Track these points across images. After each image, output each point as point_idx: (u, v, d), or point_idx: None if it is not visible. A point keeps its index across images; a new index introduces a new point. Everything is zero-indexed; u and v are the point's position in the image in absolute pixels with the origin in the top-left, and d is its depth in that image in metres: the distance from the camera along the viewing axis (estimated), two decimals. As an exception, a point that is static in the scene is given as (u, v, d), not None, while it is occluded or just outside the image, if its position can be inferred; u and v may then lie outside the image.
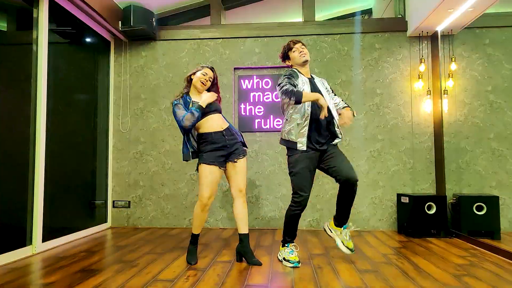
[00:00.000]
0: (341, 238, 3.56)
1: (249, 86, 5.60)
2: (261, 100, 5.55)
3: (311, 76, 3.67)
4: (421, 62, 5.23)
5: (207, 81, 3.62)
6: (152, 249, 4.13)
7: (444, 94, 5.07)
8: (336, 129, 3.50)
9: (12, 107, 3.83)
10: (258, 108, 5.55)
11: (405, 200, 4.88)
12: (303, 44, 3.64)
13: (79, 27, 4.97)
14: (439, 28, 5.02)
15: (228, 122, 3.65)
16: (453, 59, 5.10)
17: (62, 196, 4.62)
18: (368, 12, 7.22)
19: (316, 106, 3.37)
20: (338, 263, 3.51)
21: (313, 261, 3.59)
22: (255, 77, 5.60)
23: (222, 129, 3.50)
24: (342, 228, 3.59)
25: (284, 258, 3.50)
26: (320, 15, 6.64)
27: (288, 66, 3.76)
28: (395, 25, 5.45)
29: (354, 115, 3.57)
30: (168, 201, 5.56)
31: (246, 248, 3.55)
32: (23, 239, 3.89)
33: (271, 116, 5.50)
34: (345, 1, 6.81)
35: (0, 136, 3.64)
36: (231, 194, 3.61)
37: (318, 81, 3.63)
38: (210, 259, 3.69)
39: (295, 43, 3.66)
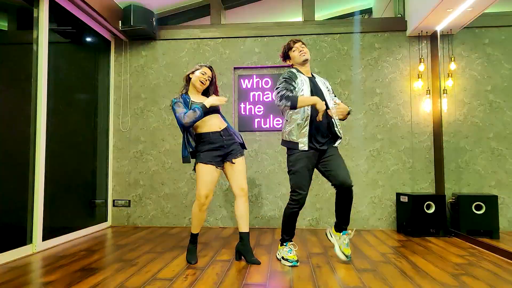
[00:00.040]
0: (339, 243, 3.57)
1: (249, 86, 5.62)
2: (261, 99, 5.57)
3: (312, 75, 3.68)
4: (420, 62, 5.24)
5: (206, 80, 3.63)
6: (152, 248, 4.15)
7: (444, 93, 5.08)
8: (335, 128, 3.52)
9: (13, 106, 3.85)
10: (258, 108, 5.56)
11: (404, 199, 4.90)
12: (303, 43, 3.65)
13: (80, 26, 4.98)
14: (439, 28, 5.03)
15: (226, 122, 3.66)
16: (452, 58, 5.11)
17: (63, 195, 4.64)
18: (368, 11, 7.24)
19: (312, 107, 3.39)
20: (336, 263, 3.52)
21: (312, 260, 3.60)
22: (255, 76, 5.61)
23: (220, 129, 3.51)
24: (341, 234, 3.62)
25: (282, 257, 3.52)
26: (320, 15, 6.65)
27: (288, 66, 3.78)
28: (395, 24, 5.46)
29: (349, 113, 3.56)
30: (168, 200, 5.58)
31: (246, 247, 3.56)
32: (24, 238, 3.91)
33: (271, 115, 5.51)
34: (345, 0, 6.82)
35: (0, 135, 3.65)
36: (233, 193, 3.60)
37: (319, 81, 3.64)
38: (210, 258, 3.70)
39: (295, 42, 3.67)
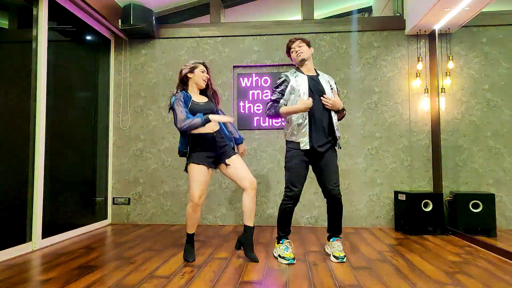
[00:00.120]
0: (332, 250, 3.62)
1: (248, 84, 5.64)
2: (260, 98, 5.59)
3: (316, 72, 3.70)
4: (418, 61, 5.25)
5: (207, 77, 3.65)
6: (151, 245, 4.18)
7: (442, 92, 5.09)
8: (334, 129, 3.55)
9: (12, 104, 3.88)
10: (257, 106, 5.58)
11: (402, 197, 4.92)
12: (301, 41, 3.66)
13: (79, 25, 5.00)
14: (437, 27, 5.04)
15: (220, 124, 3.64)
16: (450, 57, 5.12)
17: (62, 193, 4.67)
18: (368, 10, 7.25)
19: (313, 106, 3.43)
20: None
21: (309, 258, 3.63)
22: (254, 75, 5.63)
23: (213, 131, 3.49)
24: (332, 240, 3.70)
25: (279, 255, 3.55)
26: (319, 13, 6.66)
27: (289, 64, 3.83)
28: (393, 23, 5.47)
29: (339, 110, 3.60)
30: (168, 198, 5.61)
31: (248, 241, 3.57)
32: (23, 236, 3.95)
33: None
34: (344, -1, 6.84)
35: (0, 132, 3.68)
36: (243, 188, 3.54)
37: (322, 78, 3.64)
38: (207, 256, 3.73)
39: (292, 42, 3.71)
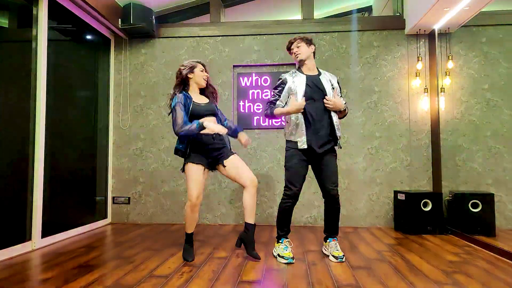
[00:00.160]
0: (330, 251, 3.62)
1: (248, 84, 5.64)
2: (260, 97, 5.59)
3: (318, 71, 3.70)
4: (418, 60, 5.26)
5: (207, 76, 3.66)
6: (150, 245, 4.19)
7: (441, 92, 5.09)
8: (335, 128, 3.56)
9: (12, 103, 3.89)
10: (257, 106, 5.59)
11: (401, 197, 4.92)
12: (300, 41, 3.65)
13: (79, 24, 5.01)
14: (436, 27, 5.03)
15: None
16: (450, 57, 5.12)
17: (62, 192, 4.68)
18: (368, 9, 7.25)
19: (310, 106, 3.46)
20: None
21: (308, 258, 3.63)
22: (254, 74, 5.63)
23: (213, 133, 3.51)
24: (329, 241, 3.70)
25: (278, 255, 3.56)
26: (319, 13, 6.66)
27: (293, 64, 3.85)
28: (393, 23, 5.47)
29: (341, 110, 3.61)
30: (168, 197, 5.61)
31: (249, 238, 3.57)
32: (23, 235, 3.96)
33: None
34: (344, -2, 6.84)
35: (0, 132, 3.69)
36: (243, 186, 3.55)
37: (324, 78, 3.63)
38: (207, 255, 3.74)
39: (291, 42, 3.72)
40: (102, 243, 4.31)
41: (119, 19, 5.36)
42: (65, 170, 4.77)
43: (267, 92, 5.55)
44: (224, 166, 3.54)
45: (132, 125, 5.75)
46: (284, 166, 3.65)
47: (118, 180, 5.70)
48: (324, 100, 3.50)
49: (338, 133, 3.57)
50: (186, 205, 3.52)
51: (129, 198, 5.66)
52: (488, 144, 5.07)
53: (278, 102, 3.66)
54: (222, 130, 3.38)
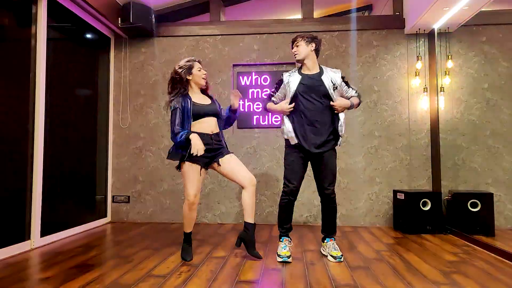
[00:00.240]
0: (328, 251, 3.63)
1: (247, 83, 5.64)
2: (260, 96, 5.59)
3: (320, 70, 3.68)
4: (418, 60, 5.25)
5: (206, 74, 3.66)
6: (149, 244, 4.20)
7: (441, 91, 5.08)
8: (339, 126, 3.58)
9: (12, 102, 3.89)
10: (256, 105, 5.59)
11: (400, 196, 4.92)
12: (301, 40, 3.64)
13: (79, 23, 5.01)
14: (436, 26, 5.03)
15: (220, 128, 3.66)
16: (449, 56, 5.11)
17: (62, 191, 4.69)
18: (368, 8, 7.24)
19: (304, 105, 3.53)
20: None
21: (306, 257, 3.64)
22: (253, 73, 5.63)
23: (212, 133, 3.50)
24: (326, 241, 3.71)
25: (277, 253, 3.58)
26: (319, 12, 6.66)
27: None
28: (393, 22, 5.47)
29: (349, 107, 3.61)
30: (167, 196, 5.62)
31: (250, 237, 3.55)
32: (22, 234, 3.97)
33: (270, 112, 5.52)
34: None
35: (-1, 132, 3.71)
36: (241, 186, 3.56)
37: (325, 77, 3.59)
38: (205, 254, 3.74)
39: (292, 42, 3.72)
40: (101, 242, 4.32)
41: (119, 18, 5.36)
42: (65, 168, 4.77)
43: (266, 91, 5.54)
44: (219, 165, 3.54)
45: (131, 124, 5.75)
46: (284, 163, 3.70)
47: (118, 179, 5.71)
48: (331, 103, 3.51)
49: (340, 132, 3.57)
50: (184, 204, 3.52)
51: (128, 197, 5.67)
52: (488, 143, 5.07)
53: (273, 98, 3.79)
54: (200, 152, 3.32)
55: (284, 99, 3.67)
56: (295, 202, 3.72)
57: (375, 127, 5.38)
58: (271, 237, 4.53)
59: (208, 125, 3.51)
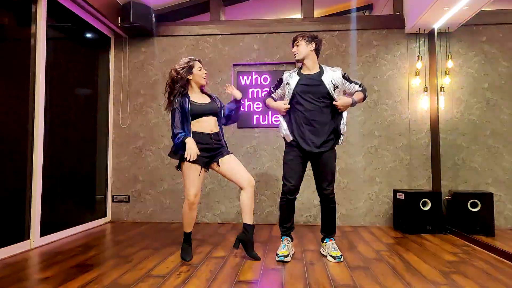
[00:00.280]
0: (328, 251, 3.63)
1: (247, 82, 5.64)
2: (260, 96, 5.59)
3: (320, 70, 3.66)
4: (418, 59, 5.25)
5: (206, 73, 3.65)
6: (149, 244, 4.19)
7: (441, 91, 5.08)
8: (341, 125, 3.60)
9: (11, 101, 3.89)
10: (256, 104, 5.59)
11: (400, 196, 4.92)
12: (301, 39, 3.63)
13: (79, 23, 5.01)
14: (436, 26, 5.02)
15: (220, 127, 3.66)
16: (450, 56, 5.11)
17: (62, 191, 4.69)
18: (369, 7, 7.23)
19: (302, 105, 3.53)
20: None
21: (306, 257, 3.64)
22: (253, 73, 5.63)
23: (211, 132, 3.50)
24: (325, 241, 3.71)
25: (276, 252, 3.58)
26: (319, 11, 6.65)
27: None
28: (393, 22, 5.46)
29: (351, 105, 3.61)
30: (167, 195, 5.62)
31: (248, 239, 3.54)
32: (21, 234, 3.97)
33: (269, 112, 5.53)
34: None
35: (-1, 132, 3.71)
36: (240, 187, 3.56)
37: (326, 76, 3.57)
38: (205, 254, 3.74)
39: (293, 41, 3.72)
40: (101, 242, 4.32)
41: (119, 18, 5.35)
42: (65, 168, 4.77)
43: (266, 91, 5.53)
44: (219, 166, 3.54)
45: (131, 123, 5.75)
46: (283, 161, 3.72)
47: (118, 178, 5.71)
48: (333, 103, 3.51)
49: (342, 130, 3.58)
50: (184, 203, 3.52)
51: (128, 196, 5.67)
52: (488, 143, 5.06)
53: (273, 95, 3.88)
54: (193, 157, 3.32)
55: (283, 97, 3.71)
56: (295, 202, 3.72)
57: (375, 127, 5.38)
58: (271, 237, 4.52)
59: (208, 124, 3.50)
